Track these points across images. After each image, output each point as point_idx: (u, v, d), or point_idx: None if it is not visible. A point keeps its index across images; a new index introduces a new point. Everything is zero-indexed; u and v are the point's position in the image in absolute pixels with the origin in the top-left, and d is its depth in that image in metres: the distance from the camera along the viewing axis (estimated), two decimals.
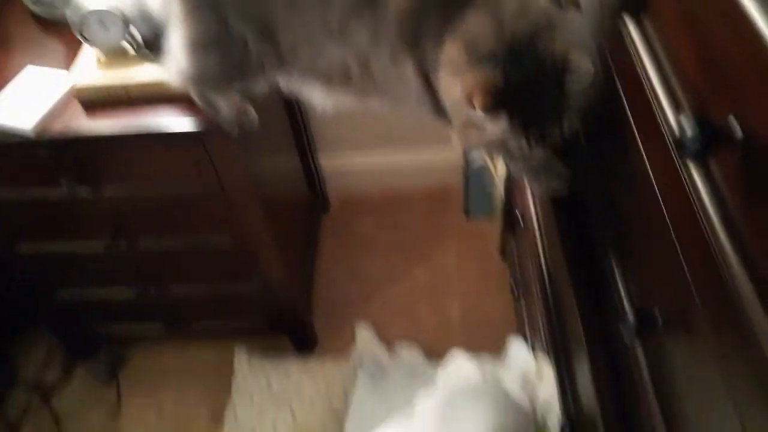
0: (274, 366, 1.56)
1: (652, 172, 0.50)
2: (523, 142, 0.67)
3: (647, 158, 0.52)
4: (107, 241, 1.29)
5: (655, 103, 0.46)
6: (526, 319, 1.30)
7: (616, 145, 0.66)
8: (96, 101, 1.09)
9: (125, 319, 1.64)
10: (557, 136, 0.67)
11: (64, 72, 1.12)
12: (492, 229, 1.76)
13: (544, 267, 0.92)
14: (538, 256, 0.95)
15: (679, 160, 0.42)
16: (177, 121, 1.05)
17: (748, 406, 0.39)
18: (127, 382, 1.70)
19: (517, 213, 1.18)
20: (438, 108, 0.78)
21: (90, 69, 1.09)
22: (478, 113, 0.66)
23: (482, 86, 0.65)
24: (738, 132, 0.34)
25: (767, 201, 0.35)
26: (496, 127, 0.67)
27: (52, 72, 1.13)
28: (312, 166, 1.84)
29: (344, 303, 1.75)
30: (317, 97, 0.90)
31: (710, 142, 0.36)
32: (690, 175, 0.41)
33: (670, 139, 0.37)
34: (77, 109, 1.09)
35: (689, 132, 0.35)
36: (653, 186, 0.50)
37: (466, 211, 1.85)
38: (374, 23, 0.75)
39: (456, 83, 0.68)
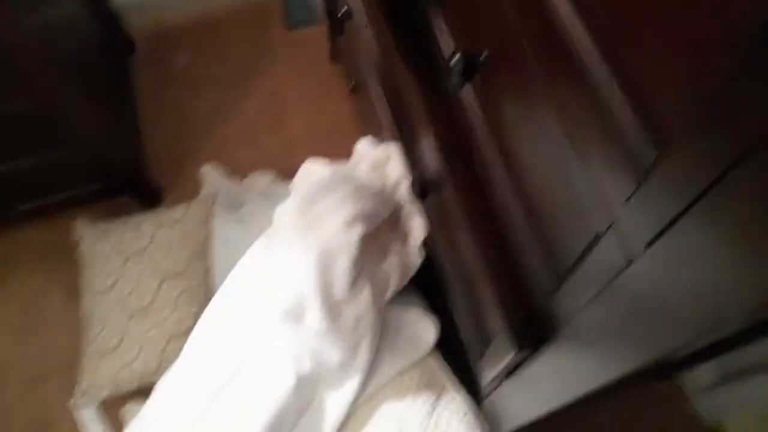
0: (122, 224, 1.47)
1: None
2: None
3: None
4: None
5: None
6: (368, 115, 1.33)
7: None
8: None
9: None
10: None
11: None
12: (318, 35, 1.69)
13: (375, 47, 0.91)
14: (371, 41, 0.94)
15: None
16: None
17: (570, 118, 0.44)
18: None
19: (344, 6, 1.13)
20: None
21: None
22: None
23: None
24: None
25: None
26: None
27: None
28: (97, 3, 1.57)
29: (181, 147, 1.65)
30: None
31: None
32: None
33: None
34: None
35: None
36: None
37: (288, 23, 1.75)
38: None
39: None
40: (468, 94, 0.64)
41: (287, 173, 1.58)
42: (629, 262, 0.41)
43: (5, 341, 1.50)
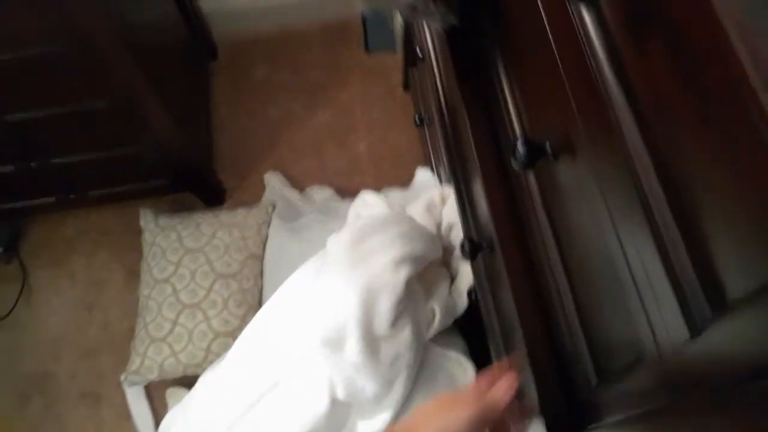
0: (183, 221, 1.53)
1: (542, 9, 0.49)
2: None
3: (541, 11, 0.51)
4: None
5: None
6: (430, 148, 1.34)
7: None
8: None
9: (13, 196, 1.52)
10: None
11: None
12: (394, 62, 1.72)
13: (442, 98, 0.92)
14: (436, 87, 0.95)
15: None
16: None
17: (622, 219, 0.44)
18: (31, 257, 1.64)
19: (416, 47, 1.15)
20: None
21: None
22: None
23: None
24: None
25: (648, 38, 0.35)
26: None
27: None
28: (188, 7, 1.64)
29: (248, 152, 1.71)
30: None
31: None
32: (579, 14, 0.40)
33: None
34: None
35: None
36: (543, 22, 0.49)
37: (367, 46, 1.77)
38: None
39: None
40: (528, 175, 0.64)
41: (345, 190, 1.61)
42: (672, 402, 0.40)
43: (66, 313, 1.60)
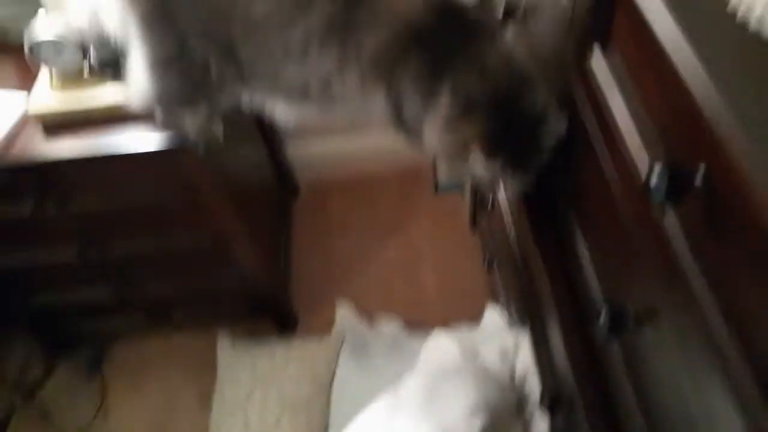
0: (258, 348, 1.59)
1: (621, 205, 0.54)
2: (507, 173, 0.76)
3: (617, 193, 0.56)
4: (77, 251, 1.28)
5: (623, 143, 0.49)
6: (500, 289, 1.36)
7: (586, 169, 0.70)
8: (55, 124, 1.06)
9: (104, 315, 1.64)
10: (535, 168, 0.77)
11: (18, 93, 1.09)
12: (462, 202, 1.81)
13: (514, 247, 0.96)
14: (507, 235, 0.99)
15: (649, 202, 0.45)
16: (142, 141, 1.03)
17: (707, 386, 0.45)
18: (110, 374, 1.72)
19: (486, 194, 1.21)
20: (404, 129, 0.82)
21: (47, 92, 1.06)
22: (475, 158, 0.73)
23: (480, 137, 0.72)
24: (699, 180, 0.38)
25: (731, 241, 0.39)
26: (488, 167, 0.74)
27: (5, 94, 1.09)
28: (280, 155, 1.83)
29: (322, 282, 1.79)
30: (279, 111, 0.91)
31: (679, 188, 0.39)
32: (659, 214, 0.45)
33: (641, 182, 0.40)
34: (36, 131, 1.06)
35: (658, 181, 0.38)
36: (623, 214, 0.54)
37: (436, 187, 1.89)
38: (343, 53, 0.77)
39: (449, 133, 0.74)
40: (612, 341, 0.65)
41: (413, 323, 1.64)
42: None
43: None
